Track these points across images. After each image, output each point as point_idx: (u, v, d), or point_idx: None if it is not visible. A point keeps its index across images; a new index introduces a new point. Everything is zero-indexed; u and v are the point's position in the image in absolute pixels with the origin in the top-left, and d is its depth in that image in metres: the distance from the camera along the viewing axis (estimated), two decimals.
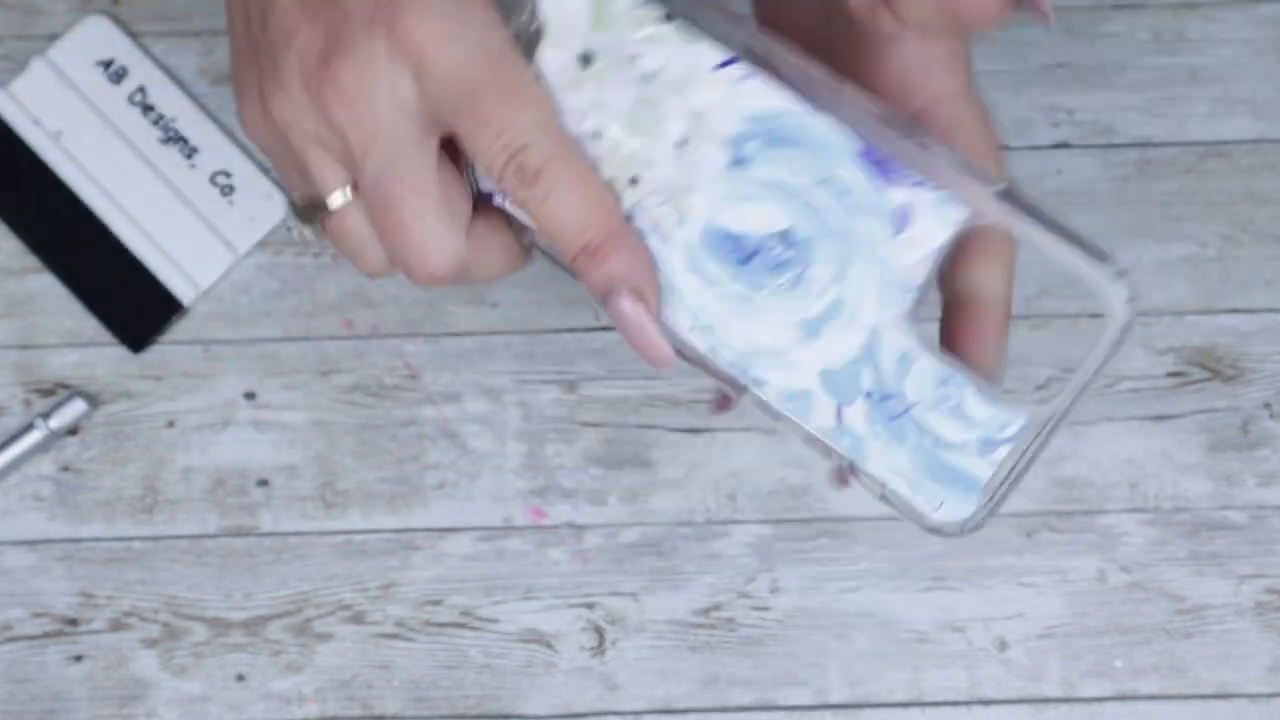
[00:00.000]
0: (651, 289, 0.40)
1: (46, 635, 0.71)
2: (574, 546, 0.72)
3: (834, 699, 0.70)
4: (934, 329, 0.45)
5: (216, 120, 0.75)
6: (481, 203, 0.43)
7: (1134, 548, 0.72)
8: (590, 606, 0.71)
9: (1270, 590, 0.71)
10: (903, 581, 0.71)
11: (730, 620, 0.71)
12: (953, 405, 0.36)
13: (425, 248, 0.40)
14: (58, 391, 0.73)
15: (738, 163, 0.38)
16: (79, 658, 0.71)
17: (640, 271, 0.40)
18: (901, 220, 0.36)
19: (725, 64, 0.37)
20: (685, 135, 0.38)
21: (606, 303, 0.40)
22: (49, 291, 0.74)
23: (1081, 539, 0.72)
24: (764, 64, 0.38)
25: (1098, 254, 0.36)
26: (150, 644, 0.71)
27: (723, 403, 0.44)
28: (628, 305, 0.40)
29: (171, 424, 0.73)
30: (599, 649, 0.71)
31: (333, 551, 0.72)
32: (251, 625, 0.71)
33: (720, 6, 0.39)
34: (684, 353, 0.41)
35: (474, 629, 0.71)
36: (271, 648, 0.71)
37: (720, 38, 0.39)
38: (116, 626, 0.71)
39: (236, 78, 0.45)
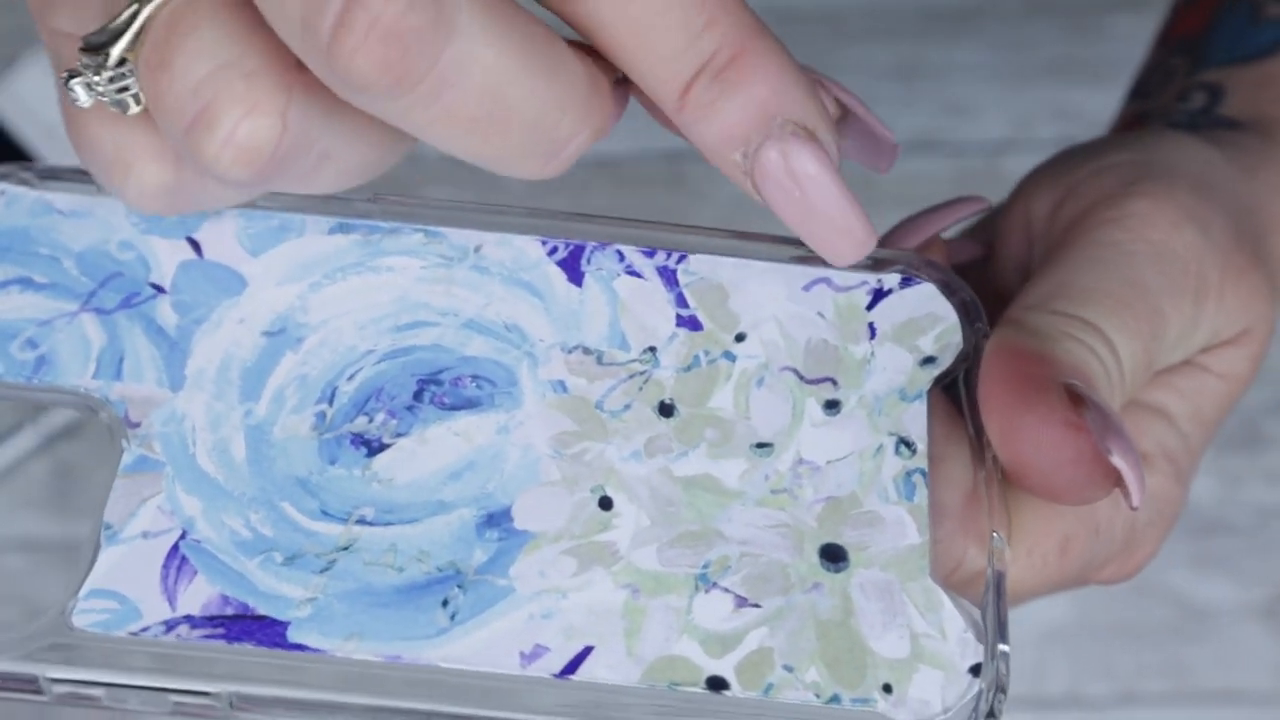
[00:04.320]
0: (827, 123, 0.25)
1: None
2: None
3: None
4: None
5: None
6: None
7: None
8: None
9: (1276, 592, 0.70)
10: None
11: None
12: None
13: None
14: None
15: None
16: None
17: (805, 93, 0.25)
18: None
19: None
20: None
21: (757, 161, 0.25)
22: None
23: None
24: None
25: None
26: None
27: None
28: (806, 156, 0.25)
29: None
30: None
31: None
32: None
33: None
34: None
35: None
36: None
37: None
38: None
39: None
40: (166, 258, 0.28)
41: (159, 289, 0.28)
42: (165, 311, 0.28)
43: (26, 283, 0.28)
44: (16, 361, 0.28)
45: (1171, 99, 0.39)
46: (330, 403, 0.27)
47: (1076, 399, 0.26)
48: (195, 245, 0.29)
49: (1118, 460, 0.26)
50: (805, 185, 0.25)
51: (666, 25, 0.24)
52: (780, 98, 0.25)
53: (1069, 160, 0.33)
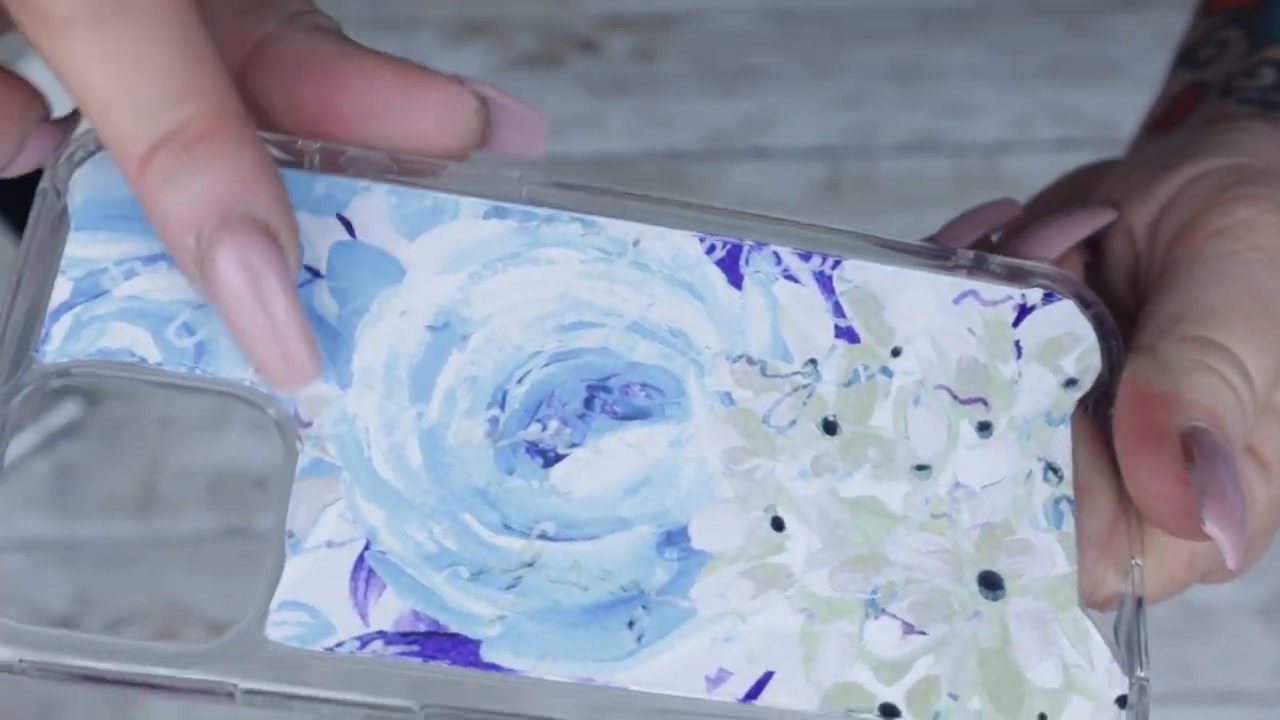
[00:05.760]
0: (291, 229, 0.24)
1: None
2: None
3: None
4: None
5: None
6: None
7: None
8: None
9: (1276, 591, 0.70)
10: None
11: None
12: None
13: None
14: (54, 392, 0.72)
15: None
16: None
17: (273, 191, 0.24)
18: None
19: None
20: None
21: (211, 252, 0.23)
22: None
23: None
24: None
25: None
26: None
27: None
28: (259, 252, 0.23)
29: (168, 424, 0.72)
30: None
31: None
32: None
33: None
34: None
35: None
36: None
37: None
38: (113, 628, 0.71)
39: None
40: (319, 238, 0.27)
41: (315, 273, 0.27)
42: (324, 298, 0.27)
43: (173, 259, 0.25)
44: (175, 349, 0.26)
45: (1235, 72, 0.39)
46: (502, 407, 0.27)
47: (1191, 451, 0.27)
48: (347, 224, 0.27)
49: (1211, 528, 0.26)
50: (256, 286, 0.24)
51: (145, 81, 0.23)
52: (246, 188, 0.23)
53: (1155, 164, 0.34)
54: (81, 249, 0.26)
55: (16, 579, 0.71)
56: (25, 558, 0.72)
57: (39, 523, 0.72)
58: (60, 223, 0.26)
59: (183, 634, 0.71)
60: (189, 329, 0.26)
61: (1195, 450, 0.27)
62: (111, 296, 0.26)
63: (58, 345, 0.25)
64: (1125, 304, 0.31)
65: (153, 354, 0.26)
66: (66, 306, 0.26)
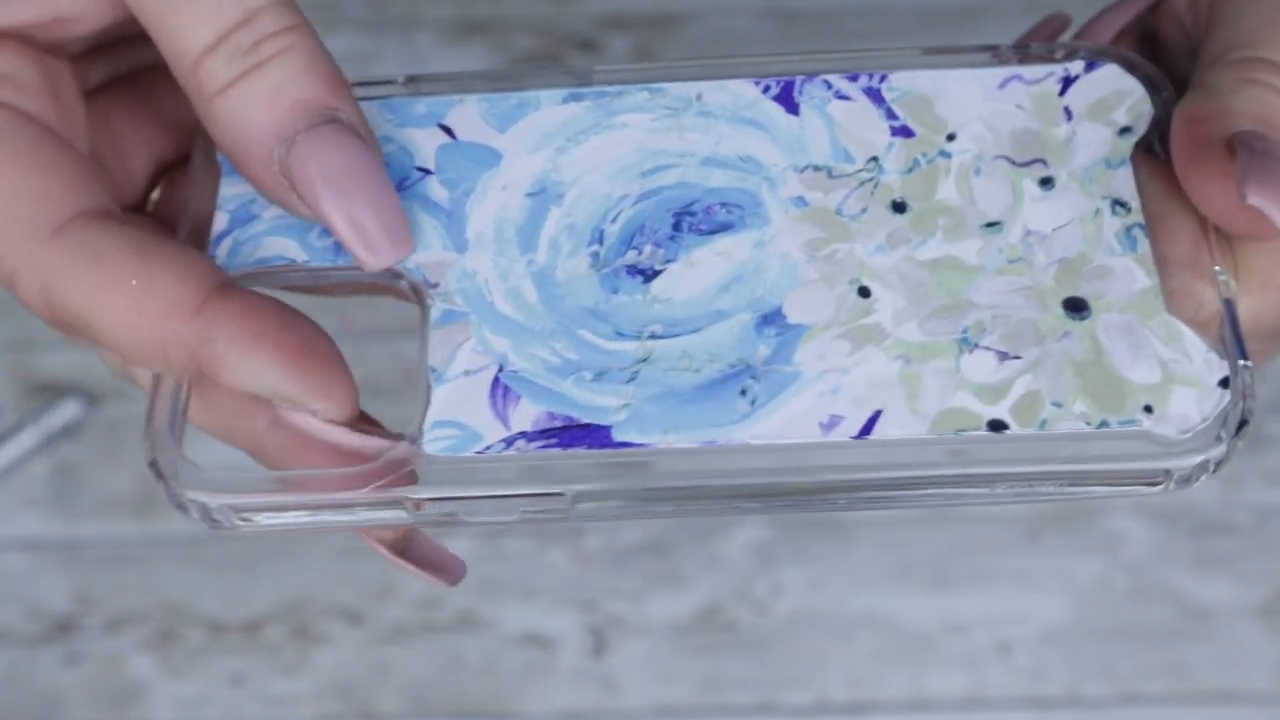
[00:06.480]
0: (359, 114, 0.29)
1: (41, 637, 0.71)
2: (573, 547, 0.72)
3: (835, 701, 0.70)
4: None
5: None
6: None
7: (1138, 549, 0.71)
8: (589, 608, 0.71)
9: (1276, 592, 0.70)
10: (905, 583, 0.71)
11: (731, 622, 0.71)
12: None
13: None
14: (54, 392, 0.72)
15: None
16: (74, 660, 0.70)
17: (341, 83, 0.28)
18: None
19: None
20: None
21: (295, 150, 0.28)
22: None
23: (1085, 541, 0.71)
24: None
25: None
26: (146, 646, 0.71)
27: None
28: (351, 142, 0.28)
29: None
30: (598, 650, 0.70)
31: (331, 553, 0.71)
32: (249, 627, 0.71)
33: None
34: None
35: (473, 630, 0.71)
36: (269, 650, 0.71)
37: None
38: (112, 628, 0.71)
39: None
40: (425, 144, 0.32)
41: (425, 171, 0.32)
42: (436, 189, 0.31)
43: None
44: (318, 249, 0.31)
45: None
46: (600, 243, 0.31)
47: (1235, 148, 0.28)
48: (448, 130, 0.32)
49: (1254, 199, 0.28)
50: (354, 167, 0.28)
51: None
52: (324, 87, 0.27)
53: None
54: (232, 188, 0.31)
55: (16, 579, 0.71)
56: (25, 558, 0.72)
57: (39, 523, 0.72)
58: (214, 173, 0.31)
59: (183, 634, 0.71)
60: (326, 232, 0.31)
61: (1238, 146, 0.28)
62: (261, 219, 0.31)
63: (222, 263, 0.30)
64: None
65: (300, 256, 0.31)
66: (225, 233, 0.31)
